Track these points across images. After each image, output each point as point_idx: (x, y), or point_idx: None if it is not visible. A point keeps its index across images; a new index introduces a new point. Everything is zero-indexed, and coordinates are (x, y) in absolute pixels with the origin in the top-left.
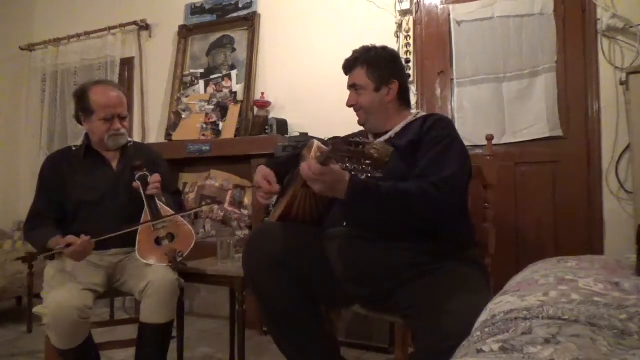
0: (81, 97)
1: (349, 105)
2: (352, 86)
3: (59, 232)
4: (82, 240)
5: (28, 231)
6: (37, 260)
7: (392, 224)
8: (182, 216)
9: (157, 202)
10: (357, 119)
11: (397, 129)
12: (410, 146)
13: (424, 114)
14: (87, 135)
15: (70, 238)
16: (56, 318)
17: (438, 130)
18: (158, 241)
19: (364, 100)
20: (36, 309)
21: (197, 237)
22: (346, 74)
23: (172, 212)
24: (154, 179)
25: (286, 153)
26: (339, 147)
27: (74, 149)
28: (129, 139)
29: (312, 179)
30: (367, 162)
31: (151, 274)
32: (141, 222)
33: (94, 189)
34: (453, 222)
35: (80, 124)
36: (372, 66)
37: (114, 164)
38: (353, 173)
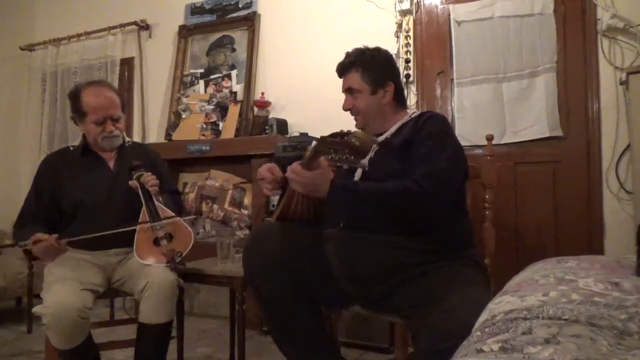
0: (74, 99)
1: (345, 109)
2: (347, 90)
3: (43, 231)
4: (50, 237)
5: (16, 232)
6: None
7: (376, 222)
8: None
9: (156, 202)
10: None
11: (393, 129)
12: (404, 145)
13: (419, 112)
14: (84, 135)
15: (38, 235)
16: (56, 318)
17: (430, 127)
18: (156, 241)
19: (360, 104)
20: (36, 309)
21: (197, 237)
22: (340, 77)
23: (170, 212)
24: (148, 177)
25: (286, 153)
26: (325, 139)
27: (71, 148)
28: (127, 139)
29: (293, 180)
30: (351, 151)
31: (150, 274)
32: (139, 221)
33: (91, 189)
34: (450, 221)
35: (77, 124)
36: (367, 69)
37: (111, 164)
38: (338, 164)
